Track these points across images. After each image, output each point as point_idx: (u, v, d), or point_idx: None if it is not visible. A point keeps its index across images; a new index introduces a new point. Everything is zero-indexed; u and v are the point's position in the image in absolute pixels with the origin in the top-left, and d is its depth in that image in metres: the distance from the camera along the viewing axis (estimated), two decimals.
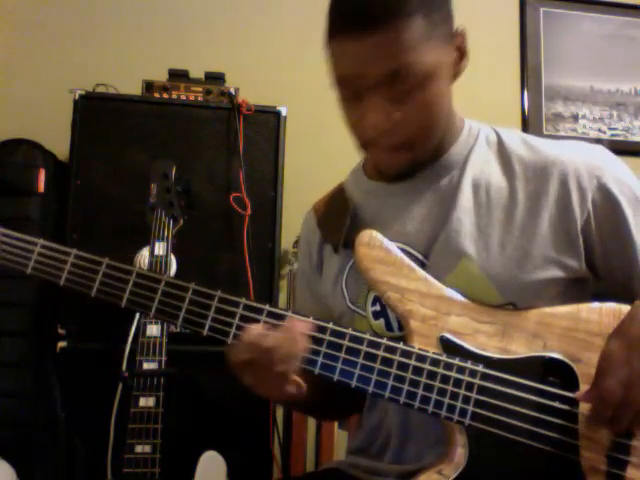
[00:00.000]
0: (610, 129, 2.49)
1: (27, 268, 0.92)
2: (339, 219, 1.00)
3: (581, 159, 0.92)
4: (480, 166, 0.96)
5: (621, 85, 2.52)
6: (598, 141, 2.46)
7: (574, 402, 0.80)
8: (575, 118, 2.47)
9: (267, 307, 0.86)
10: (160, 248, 1.39)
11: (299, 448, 1.64)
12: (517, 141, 0.97)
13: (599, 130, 2.49)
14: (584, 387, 0.80)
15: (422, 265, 0.92)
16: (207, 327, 0.86)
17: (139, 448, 1.31)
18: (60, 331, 1.70)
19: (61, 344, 1.69)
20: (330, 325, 0.86)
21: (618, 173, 0.93)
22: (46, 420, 1.72)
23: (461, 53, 0.92)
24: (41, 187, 1.84)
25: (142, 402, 1.34)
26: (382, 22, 0.80)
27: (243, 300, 0.87)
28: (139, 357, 1.37)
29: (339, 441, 1.68)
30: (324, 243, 1.05)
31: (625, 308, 0.82)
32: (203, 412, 1.67)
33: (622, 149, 2.49)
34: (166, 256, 1.39)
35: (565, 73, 2.48)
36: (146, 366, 1.37)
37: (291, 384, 0.83)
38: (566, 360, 0.82)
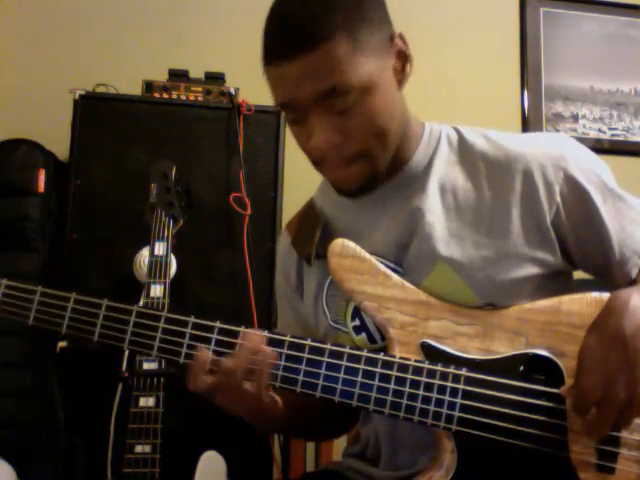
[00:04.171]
0: (610, 129, 2.49)
1: (28, 320, 0.92)
2: (311, 232, 0.99)
3: (544, 152, 0.91)
4: (444, 169, 0.95)
5: (621, 85, 2.52)
6: (598, 141, 2.46)
7: (560, 398, 0.79)
8: (575, 118, 2.47)
9: (242, 329, 0.85)
10: (160, 248, 1.39)
11: (299, 448, 1.63)
12: (479, 138, 0.96)
13: (599, 130, 2.48)
14: (569, 381, 0.79)
15: (397, 273, 0.90)
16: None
17: (139, 448, 1.30)
18: None
19: (61, 344, 1.69)
20: (309, 342, 0.84)
21: (583, 161, 0.92)
22: (46, 420, 1.71)
23: (403, 58, 0.90)
24: (41, 187, 1.83)
25: (142, 402, 1.33)
26: (307, 46, 0.80)
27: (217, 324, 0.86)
28: (139, 357, 1.37)
29: (338, 441, 1.68)
30: (301, 263, 1.04)
31: (607, 297, 0.81)
32: (203, 412, 1.66)
33: (622, 149, 2.49)
34: (166, 256, 1.39)
35: (565, 73, 2.48)
36: (146, 366, 1.36)
37: (264, 399, 0.83)
38: (550, 355, 0.82)
